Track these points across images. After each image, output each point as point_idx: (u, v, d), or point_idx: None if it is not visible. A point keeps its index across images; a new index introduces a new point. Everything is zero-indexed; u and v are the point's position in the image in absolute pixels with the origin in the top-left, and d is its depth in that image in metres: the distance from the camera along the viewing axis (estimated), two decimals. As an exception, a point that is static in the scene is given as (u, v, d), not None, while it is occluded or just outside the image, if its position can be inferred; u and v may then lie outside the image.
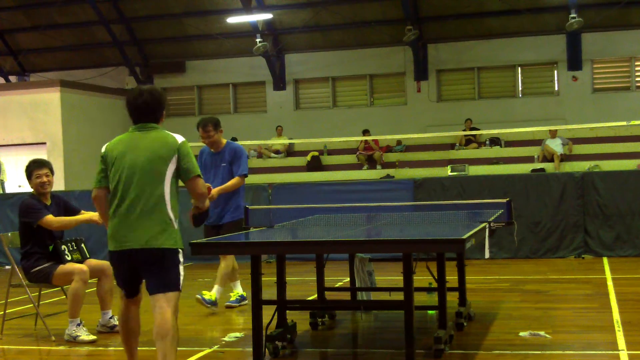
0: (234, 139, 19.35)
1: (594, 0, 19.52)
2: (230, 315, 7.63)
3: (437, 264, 5.91)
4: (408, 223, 7.00)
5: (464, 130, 19.42)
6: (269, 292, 6.05)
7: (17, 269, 6.80)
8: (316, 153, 20.64)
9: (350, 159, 20.55)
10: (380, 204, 8.70)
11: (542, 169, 17.61)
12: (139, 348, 5.13)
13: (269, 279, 5.96)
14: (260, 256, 5.67)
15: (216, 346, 6.18)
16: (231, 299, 7.93)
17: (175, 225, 4.74)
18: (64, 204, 6.85)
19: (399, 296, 5.26)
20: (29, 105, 20.17)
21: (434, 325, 6.16)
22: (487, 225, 5.92)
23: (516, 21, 20.45)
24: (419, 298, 6.40)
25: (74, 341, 6.43)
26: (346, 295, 7.51)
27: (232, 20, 21.15)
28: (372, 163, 20.01)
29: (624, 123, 15.72)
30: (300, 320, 6.48)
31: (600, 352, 5.61)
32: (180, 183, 4.85)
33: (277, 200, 11.68)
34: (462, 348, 5.78)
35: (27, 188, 8.91)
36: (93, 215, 6.57)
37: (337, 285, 8.52)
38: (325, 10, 20.90)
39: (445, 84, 21.78)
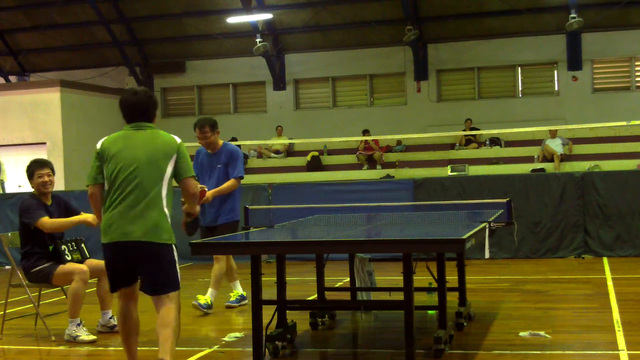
0: (234, 139, 19.42)
1: (594, 0, 19.52)
2: (230, 315, 7.63)
3: (437, 264, 5.91)
4: (408, 223, 7.00)
5: (464, 130, 19.42)
6: (269, 292, 6.05)
7: (17, 269, 6.80)
8: (316, 153, 20.64)
9: (350, 159, 20.55)
10: (380, 204, 8.70)
11: (542, 169, 17.61)
12: (139, 348, 5.13)
13: (269, 279, 5.96)
14: (260, 256, 5.67)
15: (216, 346, 6.18)
16: (231, 299, 7.94)
17: (169, 222, 4.86)
18: (65, 205, 6.85)
19: (399, 296, 5.26)
20: (29, 105, 20.18)
21: (434, 325, 6.16)
22: (487, 225, 5.92)
23: (516, 21, 20.45)
24: (419, 298, 6.40)
25: (74, 341, 6.43)
26: (346, 295, 7.51)
27: (232, 20, 21.16)
28: (372, 163, 20.02)
29: (624, 123, 15.72)
30: (300, 320, 6.48)
31: (600, 352, 5.61)
32: (174, 183, 4.95)
33: (277, 200, 11.68)
34: (462, 348, 5.78)
35: (27, 188, 8.92)
36: (87, 217, 6.58)
37: (337, 285, 8.52)
38: (325, 10, 20.90)
39: (445, 84, 21.78)
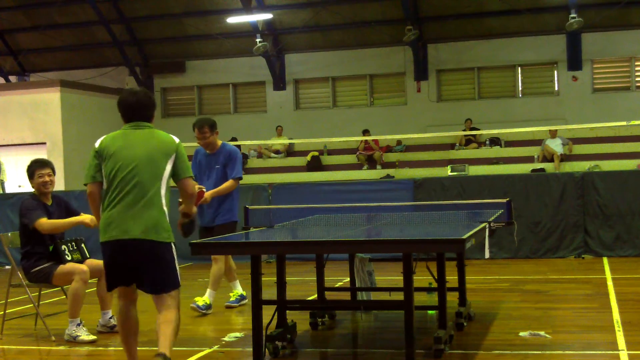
0: (234, 139, 19.41)
1: (594, 0, 19.52)
2: (230, 315, 7.63)
3: (437, 264, 5.91)
4: (408, 223, 7.00)
5: (464, 130, 19.42)
6: (269, 292, 6.05)
7: (17, 269, 6.80)
8: (316, 153, 20.64)
9: (350, 159, 20.55)
10: (380, 204, 8.71)
11: (542, 169, 17.61)
12: (139, 348, 5.13)
13: (269, 279, 5.96)
14: (260, 256, 5.67)
15: (216, 346, 6.18)
16: (231, 299, 7.93)
17: (168, 220, 4.88)
18: (65, 205, 6.85)
19: (399, 296, 5.26)
20: (29, 105, 20.17)
21: (434, 325, 6.16)
22: (487, 225, 5.92)
23: (516, 21, 20.45)
24: (419, 298, 6.40)
25: (74, 341, 6.43)
26: (346, 295, 7.51)
27: (232, 20, 21.16)
28: (372, 163, 20.02)
29: (624, 123, 15.72)
30: (300, 320, 6.48)
31: (600, 352, 5.61)
32: (171, 182, 4.96)
33: (277, 200, 11.68)
34: (462, 348, 5.78)
35: (27, 188, 8.92)
36: (85, 217, 6.57)
37: (337, 285, 8.52)
38: (325, 10, 20.90)
39: (445, 84, 21.78)
